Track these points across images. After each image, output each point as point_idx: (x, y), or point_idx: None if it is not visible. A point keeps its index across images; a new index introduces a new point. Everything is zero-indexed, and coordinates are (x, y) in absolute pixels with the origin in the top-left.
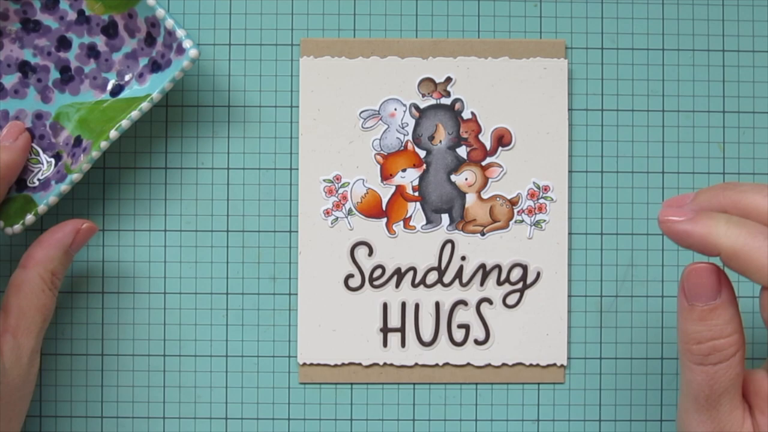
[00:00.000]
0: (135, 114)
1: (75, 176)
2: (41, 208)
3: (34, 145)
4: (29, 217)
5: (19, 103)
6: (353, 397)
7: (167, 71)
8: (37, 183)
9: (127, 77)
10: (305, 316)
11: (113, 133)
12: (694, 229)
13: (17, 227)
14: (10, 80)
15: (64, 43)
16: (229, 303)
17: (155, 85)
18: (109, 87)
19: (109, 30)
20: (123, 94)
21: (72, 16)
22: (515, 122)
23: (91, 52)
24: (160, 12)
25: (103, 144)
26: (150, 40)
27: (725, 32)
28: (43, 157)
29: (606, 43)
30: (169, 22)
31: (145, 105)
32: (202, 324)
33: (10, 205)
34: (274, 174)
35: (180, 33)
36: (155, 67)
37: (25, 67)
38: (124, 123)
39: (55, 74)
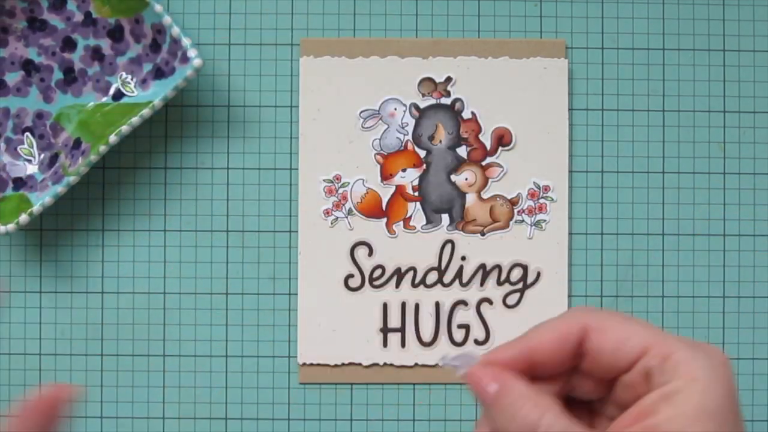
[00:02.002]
0: (135, 120)
1: (72, 179)
2: (36, 208)
3: (29, 135)
4: (23, 217)
5: (21, 101)
6: (353, 398)
7: (170, 79)
8: (23, 175)
9: (130, 82)
10: (305, 316)
11: (113, 138)
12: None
13: (11, 226)
14: (14, 78)
15: (69, 44)
16: (229, 303)
17: (158, 92)
18: (111, 91)
19: (115, 34)
20: (125, 99)
21: (79, 17)
22: (515, 122)
23: (96, 54)
24: (167, 19)
25: (102, 148)
26: (155, 47)
27: (725, 32)
28: (36, 152)
29: (606, 43)
30: (175, 30)
31: (146, 112)
32: (202, 324)
33: (5, 203)
34: (274, 174)
35: (185, 42)
36: (159, 73)
37: (28, 66)
38: (124, 128)
39: (58, 74)
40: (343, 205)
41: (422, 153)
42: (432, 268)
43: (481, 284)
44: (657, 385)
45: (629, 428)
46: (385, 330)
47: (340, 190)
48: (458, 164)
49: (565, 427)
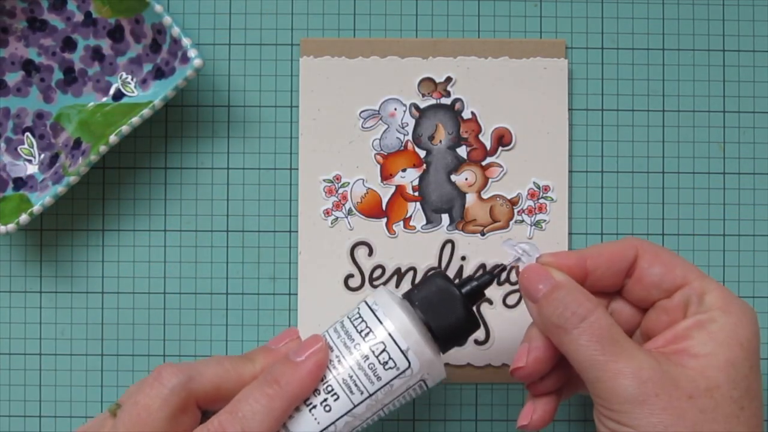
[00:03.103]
0: (136, 120)
1: (72, 179)
2: (36, 208)
3: (29, 136)
4: (24, 217)
5: (21, 102)
6: None
7: (171, 79)
8: (23, 175)
9: (130, 82)
10: (305, 316)
11: (113, 138)
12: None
13: (11, 226)
14: (14, 78)
15: (69, 44)
16: (229, 303)
17: (158, 92)
18: (112, 91)
19: (115, 34)
20: (125, 99)
21: (79, 17)
22: (515, 122)
23: (96, 54)
24: (167, 19)
25: (102, 148)
26: (155, 47)
27: (725, 32)
28: (36, 152)
29: (606, 43)
30: (176, 30)
31: (146, 112)
32: (202, 324)
33: (5, 203)
34: (274, 174)
35: (186, 42)
36: (159, 74)
37: (29, 66)
38: (125, 129)
39: (58, 75)
40: (343, 205)
41: (422, 153)
42: (432, 268)
43: None
44: (693, 314)
45: (663, 348)
46: None
47: (340, 190)
48: (458, 164)
49: (611, 324)
